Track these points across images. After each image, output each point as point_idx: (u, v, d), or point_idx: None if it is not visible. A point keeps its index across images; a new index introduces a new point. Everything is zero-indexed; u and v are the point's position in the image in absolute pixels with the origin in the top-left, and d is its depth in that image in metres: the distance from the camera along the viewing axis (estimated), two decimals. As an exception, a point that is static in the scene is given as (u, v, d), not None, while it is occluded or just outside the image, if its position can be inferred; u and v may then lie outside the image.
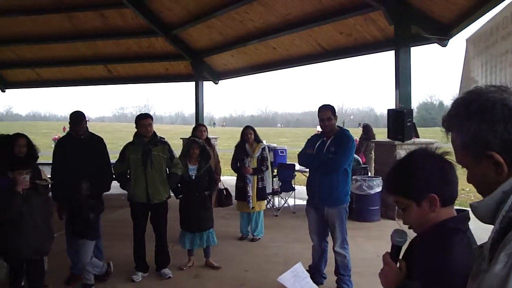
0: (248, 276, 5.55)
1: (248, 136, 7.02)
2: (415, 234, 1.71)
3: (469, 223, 1.58)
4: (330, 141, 4.86)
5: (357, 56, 10.34)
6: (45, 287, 4.87)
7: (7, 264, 4.53)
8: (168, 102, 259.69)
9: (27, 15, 11.46)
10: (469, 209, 1.26)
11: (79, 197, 4.94)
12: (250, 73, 12.65)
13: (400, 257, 1.71)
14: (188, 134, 8.29)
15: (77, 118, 5.30)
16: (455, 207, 1.64)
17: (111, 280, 5.41)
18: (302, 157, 5.13)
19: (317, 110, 5.08)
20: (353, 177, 7.73)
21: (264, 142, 7.55)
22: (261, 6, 9.38)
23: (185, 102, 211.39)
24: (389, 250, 1.76)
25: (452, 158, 1.48)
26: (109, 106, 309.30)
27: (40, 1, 11.08)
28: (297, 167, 9.11)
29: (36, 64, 13.55)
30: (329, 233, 5.07)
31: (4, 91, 14.43)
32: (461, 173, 1.49)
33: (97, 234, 5.18)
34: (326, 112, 4.87)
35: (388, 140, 8.29)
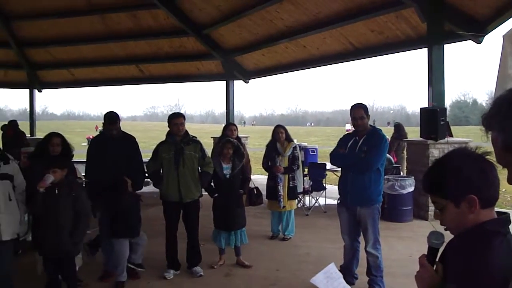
0: (279, 276, 5.55)
1: (279, 135, 7.02)
2: (452, 236, 1.67)
3: (510, 226, 1.54)
4: (363, 140, 4.81)
5: (389, 54, 10.21)
6: (80, 282, 4.99)
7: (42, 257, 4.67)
8: (198, 101, 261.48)
9: (62, 18, 11.76)
10: (510, 211, 1.23)
11: (114, 195, 5.03)
12: (281, 72, 12.63)
13: (437, 259, 1.68)
14: (218, 133, 8.35)
15: (112, 118, 5.38)
16: (495, 209, 1.60)
17: (144, 277, 5.49)
18: (334, 156, 5.09)
19: (347, 109, 5.04)
20: (385, 176, 7.64)
21: (295, 141, 7.53)
22: (291, 4, 9.36)
23: (215, 101, 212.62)
24: (424, 252, 1.72)
25: (492, 158, 1.45)
26: (141, 106, 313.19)
27: (74, 4, 11.35)
28: (328, 166, 9.06)
29: (71, 64, 13.87)
30: (361, 233, 5.03)
31: (41, 91, 14.81)
32: (500, 174, 1.46)
33: (134, 232, 5.26)
34: (359, 111, 4.82)
35: (421, 139, 8.16)
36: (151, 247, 6.40)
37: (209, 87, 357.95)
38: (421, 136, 8.16)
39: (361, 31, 9.47)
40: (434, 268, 1.64)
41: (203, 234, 5.96)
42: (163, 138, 5.69)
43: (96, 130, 49.35)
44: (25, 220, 4.32)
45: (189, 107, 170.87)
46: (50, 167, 4.30)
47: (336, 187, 5.50)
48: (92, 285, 5.27)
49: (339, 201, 5.20)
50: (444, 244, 1.69)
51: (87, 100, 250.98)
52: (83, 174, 5.57)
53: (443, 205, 1.60)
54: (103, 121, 5.47)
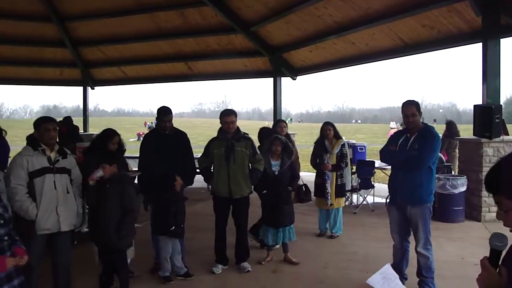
0: (327, 273, 5.52)
1: (328, 132, 6.97)
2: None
3: None
4: (414, 137, 4.70)
5: (441, 49, 9.93)
6: (131, 274, 5.13)
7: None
8: (245, 98, 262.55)
9: (114, 17, 12.10)
10: None
11: (165, 191, 5.13)
12: (328, 69, 12.51)
13: (500, 262, 1.63)
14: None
15: (165, 111, 5.49)
16: None
17: (192, 271, 5.56)
18: (385, 154, 5.00)
19: (395, 106, 4.97)
20: (436, 175, 7.47)
21: (343, 138, 7.46)
22: (340, 0, 9.25)
23: (262, 98, 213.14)
24: (478, 254, 1.67)
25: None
26: (188, 102, 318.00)
27: (125, 4, 11.65)
28: (377, 164, 8.93)
29: (122, 62, 14.24)
30: (411, 233, 4.93)
31: (93, 89, 15.29)
32: None
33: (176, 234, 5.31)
34: (411, 108, 4.71)
35: (474, 137, 7.91)
36: (199, 241, 6.52)
37: (255, 84, 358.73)
38: (474, 134, 7.91)
39: (411, 26, 9.24)
40: (497, 271, 1.58)
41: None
42: (210, 134, 5.76)
43: (145, 126, 50.56)
44: (80, 212, 4.47)
45: (235, 104, 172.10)
46: (101, 162, 4.45)
47: (385, 185, 5.41)
48: (142, 277, 5.41)
49: (388, 200, 5.11)
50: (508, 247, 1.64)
51: (137, 97, 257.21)
52: (134, 169, 5.71)
53: (508, 206, 1.54)
54: (156, 116, 5.58)
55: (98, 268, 4.90)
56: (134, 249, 5.23)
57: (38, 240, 4.12)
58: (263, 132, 6.72)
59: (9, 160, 4.77)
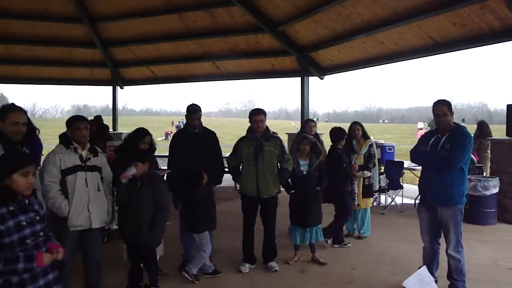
0: (355, 274, 5.49)
1: (356, 132, 6.92)
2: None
3: None
4: (445, 138, 4.61)
5: (472, 48, 9.68)
6: (159, 271, 5.19)
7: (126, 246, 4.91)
8: (271, 98, 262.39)
9: (143, 18, 12.24)
10: None
11: (194, 189, 5.17)
12: (357, 68, 12.35)
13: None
14: (292, 129, 8.35)
15: (194, 108, 5.51)
16: None
17: (220, 268, 5.60)
18: (415, 154, 4.92)
19: (424, 105, 4.91)
20: (467, 176, 7.34)
21: (371, 138, 7.38)
22: (369, -1, 9.14)
23: (288, 98, 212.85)
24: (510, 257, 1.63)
25: None
26: (215, 102, 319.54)
27: (154, 4, 11.76)
28: (406, 164, 8.80)
29: (151, 62, 14.37)
30: (442, 235, 4.84)
31: (122, 88, 15.48)
32: None
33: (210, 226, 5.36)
34: (442, 107, 4.62)
35: (507, 138, 7.74)
36: (225, 240, 6.55)
37: (282, 83, 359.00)
38: (507, 135, 7.75)
39: (442, 24, 9.05)
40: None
41: (278, 229, 5.98)
42: (237, 134, 5.78)
43: (172, 125, 51.06)
44: (110, 209, 4.55)
45: (262, 103, 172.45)
46: (133, 161, 4.51)
47: (414, 186, 5.33)
48: (171, 275, 5.47)
49: (419, 200, 5.03)
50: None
51: (164, 96, 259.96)
52: (163, 167, 5.76)
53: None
54: (185, 114, 5.62)
55: (127, 265, 4.98)
56: (163, 247, 5.30)
57: (70, 237, 4.20)
58: (335, 132, 6.58)
59: (42, 158, 4.87)
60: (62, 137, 4.48)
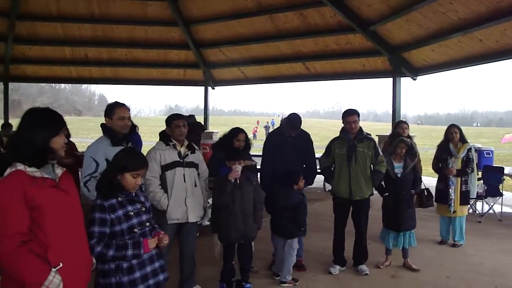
0: (450, 284, 5.26)
1: (453, 135, 6.65)
2: None
3: None
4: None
5: None
6: (251, 268, 5.30)
7: (221, 243, 5.05)
8: (359, 99, 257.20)
9: (235, 19, 12.55)
10: None
11: (289, 192, 5.21)
12: (452, 68, 11.79)
13: None
14: (380, 132, 8.16)
15: (295, 123, 5.46)
16: None
17: (310, 270, 5.63)
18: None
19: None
20: None
21: (469, 142, 7.03)
22: (467, -5, 8.70)
23: (377, 99, 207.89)
24: None
25: None
26: (303, 103, 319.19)
27: (245, 6, 12.02)
28: (507, 170, 8.29)
29: (241, 63, 14.67)
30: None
31: (214, 88, 15.94)
32: None
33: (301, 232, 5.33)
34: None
35: None
36: (315, 241, 6.55)
37: (370, 85, 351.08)
38: None
39: (550, 20, 8.43)
40: None
41: (369, 232, 5.88)
42: (324, 135, 5.78)
43: (258, 124, 51.69)
44: (205, 205, 4.72)
45: (350, 105, 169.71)
46: (237, 159, 4.66)
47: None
48: (261, 272, 5.57)
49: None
50: None
51: (252, 97, 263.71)
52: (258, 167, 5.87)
53: None
54: (283, 118, 5.66)
55: (218, 260, 5.13)
56: (253, 245, 5.41)
57: (168, 229, 4.39)
58: None
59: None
60: (162, 134, 4.73)
